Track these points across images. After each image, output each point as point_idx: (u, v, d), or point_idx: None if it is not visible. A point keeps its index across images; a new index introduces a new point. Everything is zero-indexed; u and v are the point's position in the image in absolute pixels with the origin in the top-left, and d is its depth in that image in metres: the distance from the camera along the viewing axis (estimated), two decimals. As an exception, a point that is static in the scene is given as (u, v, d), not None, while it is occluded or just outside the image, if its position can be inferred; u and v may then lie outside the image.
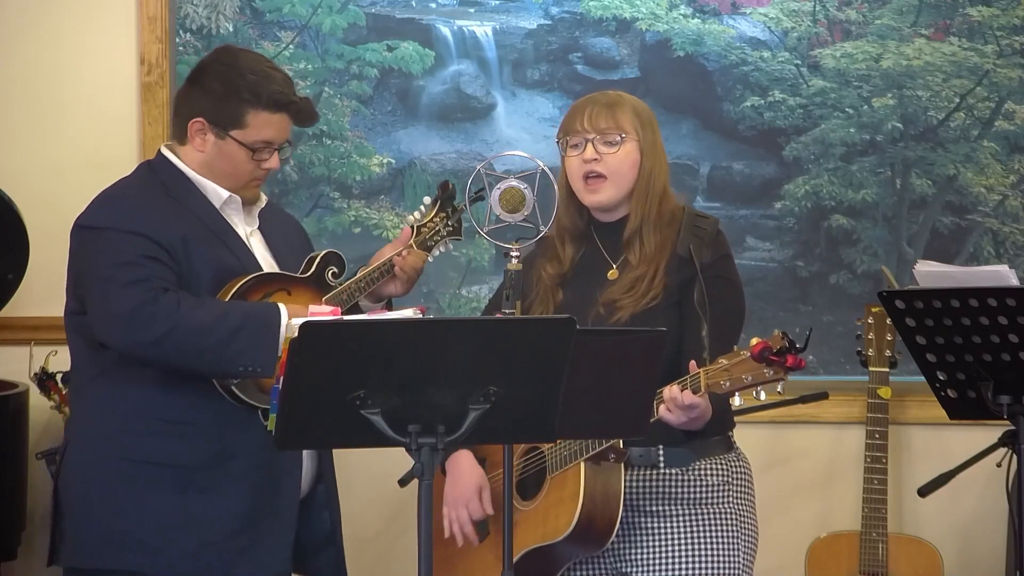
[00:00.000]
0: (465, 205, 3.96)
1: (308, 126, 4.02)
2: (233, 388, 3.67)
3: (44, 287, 5.05)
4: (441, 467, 3.86)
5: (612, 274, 3.80)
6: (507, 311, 3.49)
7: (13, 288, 5.03)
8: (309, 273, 3.84)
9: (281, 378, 2.98)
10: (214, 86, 3.76)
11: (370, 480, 4.93)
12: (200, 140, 3.78)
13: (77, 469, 3.77)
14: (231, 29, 5.20)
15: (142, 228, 3.67)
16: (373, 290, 3.92)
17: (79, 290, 3.75)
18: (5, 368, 5.07)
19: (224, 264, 3.74)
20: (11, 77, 5.20)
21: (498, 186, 3.58)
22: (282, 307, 3.67)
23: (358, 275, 3.90)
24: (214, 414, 3.70)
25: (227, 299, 3.69)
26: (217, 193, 3.80)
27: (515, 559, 3.66)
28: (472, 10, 5.24)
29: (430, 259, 4.02)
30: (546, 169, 3.61)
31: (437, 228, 4.00)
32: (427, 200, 4.03)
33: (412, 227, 3.99)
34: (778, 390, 3.44)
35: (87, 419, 3.79)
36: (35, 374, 4.91)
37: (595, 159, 3.76)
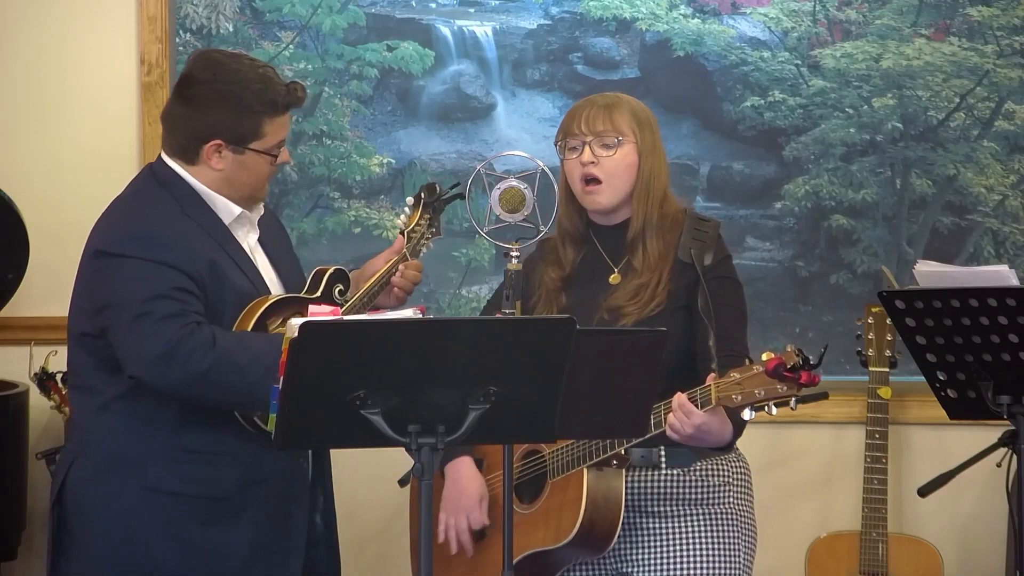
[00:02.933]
0: (446, 201, 3.97)
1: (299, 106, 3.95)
2: (256, 419, 3.64)
3: (44, 287, 5.05)
4: (440, 470, 3.85)
5: (614, 278, 3.80)
6: (507, 311, 3.49)
7: (13, 288, 5.03)
8: (318, 293, 3.82)
9: (281, 378, 2.98)
10: (222, 107, 3.69)
11: (370, 480, 4.93)
12: (217, 159, 3.71)
13: (90, 491, 3.70)
14: (231, 29, 5.20)
15: (172, 259, 3.61)
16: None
17: (99, 318, 3.66)
18: (5, 368, 5.07)
19: (244, 291, 3.70)
20: (11, 77, 5.20)
21: (498, 186, 3.58)
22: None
23: (362, 290, 3.89)
24: (236, 442, 3.66)
25: (249, 327, 3.65)
26: (228, 210, 3.75)
27: (514, 562, 3.66)
28: (472, 10, 5.24)
29: (417, 261, 4.01)
30: (546, 169, 3.61)
31: (422, 231, 4.00)
32: (410, 201, 4.02)
33: (402, 232, 3.98)
34: (791, 407, 3.42)
35: (101, 443, 3.71)
36: (35, 374, 4.91)
37: (592, 162, 3.76)
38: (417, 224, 3.99)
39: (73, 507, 3.73)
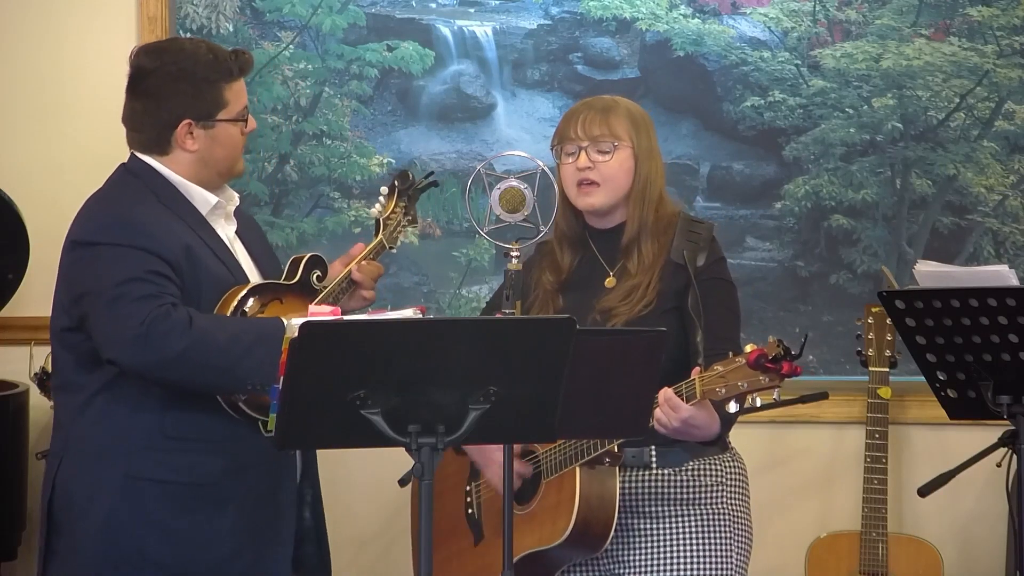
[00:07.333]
0: (418, 190, 3.98)
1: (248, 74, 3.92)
2: (240, 404, 3.65)
3: (44, 287, 4.99)
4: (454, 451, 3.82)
5: (609, 282, 3.80)
6: (507, 311, 3.49)
7: (13, 288, 5.03)
8: (295, 279, 3.82)
9: (281, 378, 2.98)
10: (181, 87, 3.71)
11: (370, 480, 4.93)
12: (190, 141, 3.73)
13: (76, 485, 3.70)
14: (231, 29, 5.20)
15: (144, 242, 3.62)
16: (341, 304, 3.89)
17: (77, 308, 3.67)
18: (5, 368, 5.07)
19: (220, 277, 3.71)
20: (11, 77, 5.20)
21: (498, 186, 3.58)
22: (286, 321, 3.64)
23: (334, 281, 3.88)
24: (221, 429, 3.66)
25: (228, 313, 3.66)
26: (205, 199, 3.77)
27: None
28: (472, 10, 5.24)
29: (394, 250, 4.01)
30: (546, 169, 3.61)
31: (398, 218, 4.00)
32: (384, 190, 4.03)
33: (377, 220, 3.99)
34: (774, 397, 3.43)
35: (87, 436, 3.71)
36: (35, 374, 4.91)
37: (588, 167, 3.76)
38: (392, 212, 4.00)
39: (62, 506, 3.73)
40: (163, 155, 3.76)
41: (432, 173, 3.98)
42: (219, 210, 3.80)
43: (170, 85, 3.72)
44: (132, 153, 3.80)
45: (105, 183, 3.83)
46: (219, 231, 3.80)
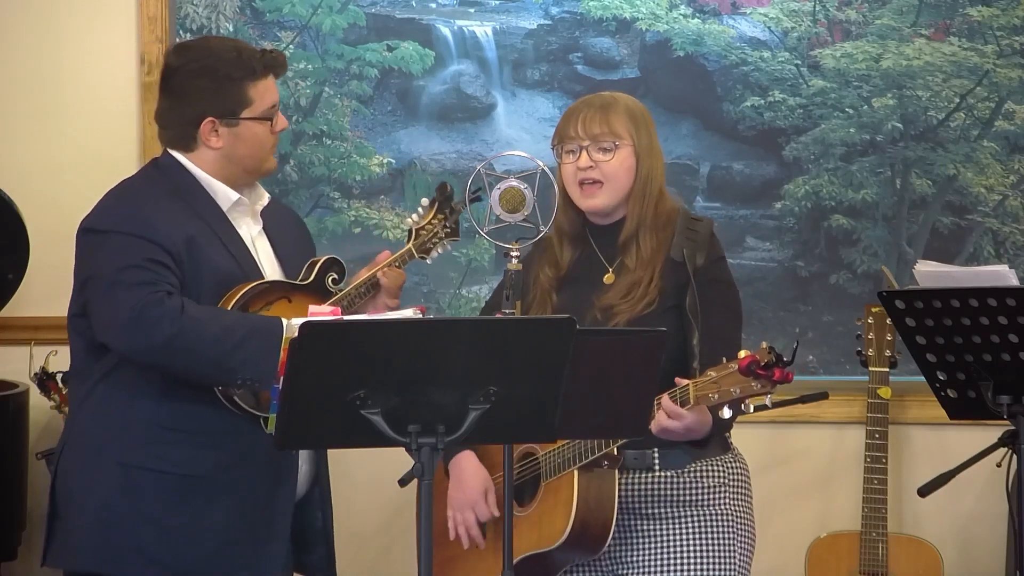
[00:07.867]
0: (464, 204, 3.96)
1: (283, 74, 3.94)
2: (235, 398, 3.65)
3: (44, 287, 5.05)
4: (444, 469, 3.85)
5: (608, 278, 3.80)
6: (507, 311, 3.49)
7: (13, 288, 5.03)
8: (309, 280, 3.83)
9: (281, 378, 2.98)
10: (203, 84, 3.75)
11: (370, 480, 4.93)
12: (215, 138, 3.76)
13: (74, 473, 3.74)
14: (231, 29, 5.20)
15: (147, 232, 3.65)
16: (356, 308, 3.90)
17: (82, 294, 3.72)
18: (5, 368, 5.07)
19: (226, 272, 3.72)
20: (12, 77, 5.20)
21: (498, 186, 3.58)
22: (285, 321, 3.65)
23: (352, 284, 3.88)
24: (218, 423, 3.67)
25: (229, 308, 3.67)
26: (227, 196, 3.79)
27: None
28: (472, 10, 5.24)
29: (428, 261, 4.01)
30: (546, 169, 3.61)
31: (435, 230, 3.99)
32: (425, 202, 4.02)
33: (411, 230, 3.98)
34: (766, 403, 3.42)
35: (87, 424, 3.75)
36: (35, 374, 4.92)
37: (590, 166, 3.75)
38: (429, 223, 3.99)
39: (62, 495, 3.77)
40: (189, 151, 3.80)
41: (479, 190, 3.96)
42: (242, 207, 3.82)
43: (193, 82, 3.76)
44: (164, 149, 3.84)
45: (131, 175, 3.89)
46: (241, 228, 3.81)
